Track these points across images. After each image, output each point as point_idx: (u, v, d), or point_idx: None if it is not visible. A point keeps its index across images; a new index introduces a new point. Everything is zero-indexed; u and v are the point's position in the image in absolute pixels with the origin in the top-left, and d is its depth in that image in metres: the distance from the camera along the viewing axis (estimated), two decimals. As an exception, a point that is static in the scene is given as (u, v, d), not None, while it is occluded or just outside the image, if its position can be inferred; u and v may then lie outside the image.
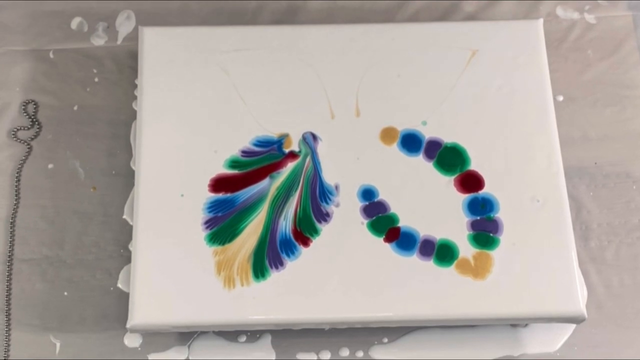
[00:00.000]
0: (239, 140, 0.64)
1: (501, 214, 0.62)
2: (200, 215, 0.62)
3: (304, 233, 0.61)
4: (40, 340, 0.64)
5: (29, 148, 0.69)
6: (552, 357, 0.64)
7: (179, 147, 0.63)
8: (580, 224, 0.67)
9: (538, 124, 0.64)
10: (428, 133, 0.64)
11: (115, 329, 0.64)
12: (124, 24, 0.74)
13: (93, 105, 0.71)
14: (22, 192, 0.68)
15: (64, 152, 0.69)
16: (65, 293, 0.65)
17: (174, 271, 0.60)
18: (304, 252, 0.61)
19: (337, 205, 0.62)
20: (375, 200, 0.62)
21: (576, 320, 0.60)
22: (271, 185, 0.63)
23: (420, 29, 0.68)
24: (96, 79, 0.71)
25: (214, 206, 0.62)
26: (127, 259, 0.65)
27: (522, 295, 0.59)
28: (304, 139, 0.64)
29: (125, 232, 0.66)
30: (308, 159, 0.64)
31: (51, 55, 0.72)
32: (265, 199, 0.62)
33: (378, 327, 0.63)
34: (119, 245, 0.66)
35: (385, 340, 0.64)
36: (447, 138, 0.64)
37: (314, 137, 0.64)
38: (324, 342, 0.64)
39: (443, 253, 0.61)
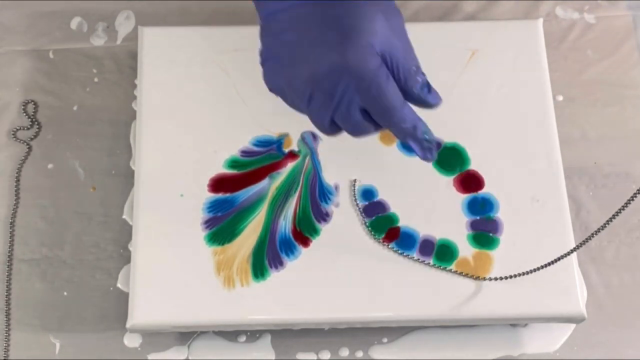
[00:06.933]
0: (238, 140, 0.64)
1: (501, 214, 0.62)
2: (199, 215, 0.62)
3: (303, 233, 0.61)
4: (40, 340, 0.64)
5: (28, 148, 0.69)
6: (552, 357, 0.64)
7: (178, 147, 0.63)
8: (580, 224, 0.67)
9: (538, 124, 0.64)
10: (428, 133, 0.64)
11: (115, 329, 0.64)
12: (124, 24, 0.74)
13: (93, 105, 0.70)
14: (22, 192, 0.68)
15: (63, 152, 0.69)
16: (65, 293, 0.65)
17: (173, 271, 0.60)
18: (304, 252, 0.61)
19: (337, 205, 0.62)
20: (375, 200, 0.62)
21: (576, 320, 0.60)
22: (271, 185, 0.63)
23: (420, 29, 0.67)
24: (96, 79, 0.71)
25: (213, 206, 0.62)
26: (126, 259, 0.65)
27: (522, 295, 0.59)
28: (304, 138, 0.64)
29: (125, 232, 0.66)
30: (308, 158, 0.64)
31: (51, 55, 0.72)
32: (265, 199, 0.62)
33: (378, 327, 0.63)
34: (119, 245, 0.66)
35: (385, 340, 0.64)
36: (447, 138, 0.64)
37: (314, 136, 0.64)
38: (323, 342, 0.64)
39: (443, 253, 0.61)
